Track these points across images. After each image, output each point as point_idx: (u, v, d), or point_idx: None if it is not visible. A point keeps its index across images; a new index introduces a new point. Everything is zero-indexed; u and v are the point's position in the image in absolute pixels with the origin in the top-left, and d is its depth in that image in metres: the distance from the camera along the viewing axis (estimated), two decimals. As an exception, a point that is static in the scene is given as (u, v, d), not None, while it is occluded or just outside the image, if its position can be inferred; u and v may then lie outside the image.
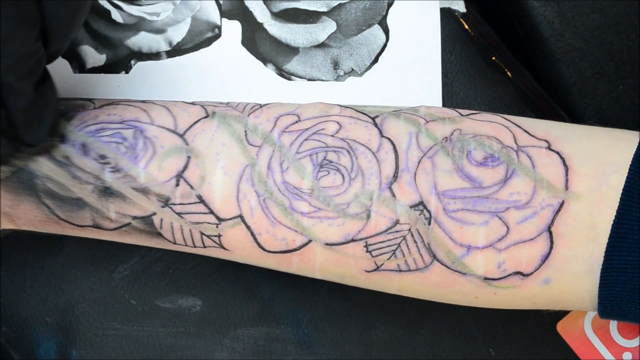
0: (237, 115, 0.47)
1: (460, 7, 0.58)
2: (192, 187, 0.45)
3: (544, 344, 0.56)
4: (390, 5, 0.57)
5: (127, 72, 0.56)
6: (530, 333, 0.56)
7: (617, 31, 0.55)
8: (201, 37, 0.56)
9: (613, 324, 0.55)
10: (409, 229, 0.44)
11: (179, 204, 0.45)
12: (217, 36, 0.57)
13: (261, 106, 0.48)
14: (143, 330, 0.56)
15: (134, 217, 0.46)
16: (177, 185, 0.45)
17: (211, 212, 0.45)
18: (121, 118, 0.47)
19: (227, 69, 0.56)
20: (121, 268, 0.57)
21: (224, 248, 0.47)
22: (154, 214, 0.46)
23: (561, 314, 0.56)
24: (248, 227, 0.45)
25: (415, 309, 0.56)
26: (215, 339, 0.56)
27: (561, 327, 0.56)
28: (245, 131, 0.46)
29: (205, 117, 0.47)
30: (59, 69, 0.47)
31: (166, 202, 0.46)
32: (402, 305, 0.56)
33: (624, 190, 0.43)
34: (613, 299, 0.43)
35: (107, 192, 0.46)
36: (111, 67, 0.55)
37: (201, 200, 0.45)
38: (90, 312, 0.57)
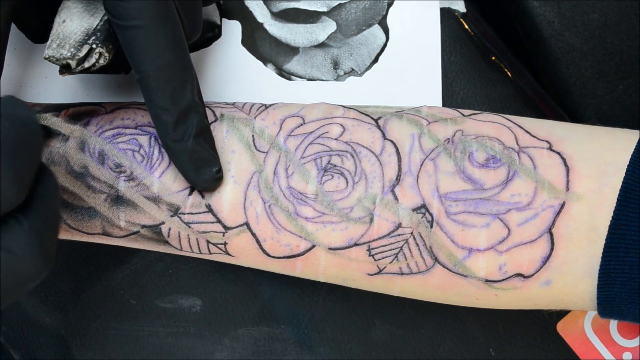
0: (244, 117, 0.47)
1: (460, 7, 0.58)
2: (202, 197, 0.45)
3: (544, 344, 0.56)
4: (390, 5, 0.57)
5: (127, 72, 0.56)
6: (530, 333, 0.56)
7: (617, 31, 0.55)
8: (201, 37, 0.56)
9: (613, 324, 0.55)
10: (411, 232, 0.44)
11: (188, 214, 0.46)
12: (217, 36, 0.57)
13: (266, 107, 0.48)
14: (143, 330, 0.56)
15: (143, 226, 0.46)
16: (190, 194, 0.46)
17: (218, 221, 0.45)
18: (135, 123, 0.47)
19: (227, 69, 0.56)
20: (121, 268, 0.57)
21: (229, 254, 0.47)
22: (163, 223, 0.46)
23: (561, 314, 0.56)
24: (253, 234, 0.45)
25: (415, 309, 0.56)
26: (215, 339, 0.56)
27: (561, 327, 0.56)
28: (253, 136, 0.46)
29: (214, 120, 0.47)
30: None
31: (176, 211, 0.46)
32: (402, 305, 0.56)
33: (621, 191, 0.43)
34: (612, 300, 0.43)
35: (119, 200, 0.46)
36: (111, 67, 0.55)
37: (210, 209, 0.45)
38: (90, 312, 0.57)
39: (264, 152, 0.46)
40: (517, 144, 0.45)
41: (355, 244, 0.45)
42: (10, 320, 0.57)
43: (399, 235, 0.44)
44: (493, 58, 0.57)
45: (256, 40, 0.57)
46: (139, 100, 0.50)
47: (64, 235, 0.48)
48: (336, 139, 0.46)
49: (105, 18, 0.44)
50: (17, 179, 0.36)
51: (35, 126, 0.38)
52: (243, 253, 0.46)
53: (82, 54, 0.43)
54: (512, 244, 0.44)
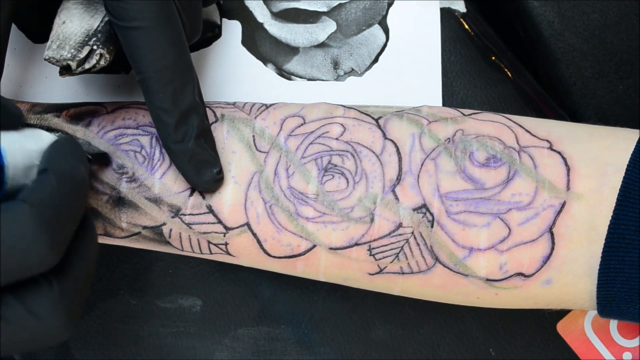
0: (245, 118, 0.47)
1: (460, 7, 0.58)
2: (203, 198, 0.45)
3: (544, 344, 0.56)
4: (390, 5, 0.57)
5: (127, 72, 0.56)
6: (530, 333, 0.56)
7: (617, 31, 0.55)
8: (201, 37, 0.56)
9: (613, 324, 0.55)
10: (412, 232, 0.44)
11: (189, 215, 0.46)
12: (217, 36, 0.57)
13: (267, 107, 0.48)
14: (143, 330, 0.56)
15: (144, 227, 0.46)
16: (191, 195, 0.46)
17: (219, 221, 0.45)
18: (136, 123, 0.47)
19: (227, 69, 0.56)
20: (121, 268, 0.57)
21: (230, 255, 0.47)
22: (164, 224, 0.46)
23: (561, 314, 0.56)
24: (254, 234, 0.45)
25: (415, 309, 0.56)
26: (215, 339, 0.56)
27: (561, 327, 0.56)
28: (254, 136, 0.46)
29: (215, 121, 0.47)
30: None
31: (177, 212, 0.46)
32: (402, 305, 0.56)
33: (620, 190, 0.43)
34: (612, 299, 0.43)
35: (120, 202, 0.46)
36: (111, 67, 0.55)
37: (210, 210, 0.45)
38: (90, 312, 0.57)
39: (264, 152, 0.46)
40: (518, 143, 0.45)
41: (356, 244, 0.45)
42: (10, 321, 0.57)
43: (400, 235, 0.44)
44: (493, 58, 0.57)
45: (256, 40, 0.57)
46: (139, 100, 0.50)
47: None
48: (337, 139, 0.46)
49: (106, 19, 0.44)
50: (54, 244, 0.35)
51: (82, 183, 0.37)
52: (244, 253, 0.46)
53: (82, 55, 0.43)
54: (512, 244, 0.44)
